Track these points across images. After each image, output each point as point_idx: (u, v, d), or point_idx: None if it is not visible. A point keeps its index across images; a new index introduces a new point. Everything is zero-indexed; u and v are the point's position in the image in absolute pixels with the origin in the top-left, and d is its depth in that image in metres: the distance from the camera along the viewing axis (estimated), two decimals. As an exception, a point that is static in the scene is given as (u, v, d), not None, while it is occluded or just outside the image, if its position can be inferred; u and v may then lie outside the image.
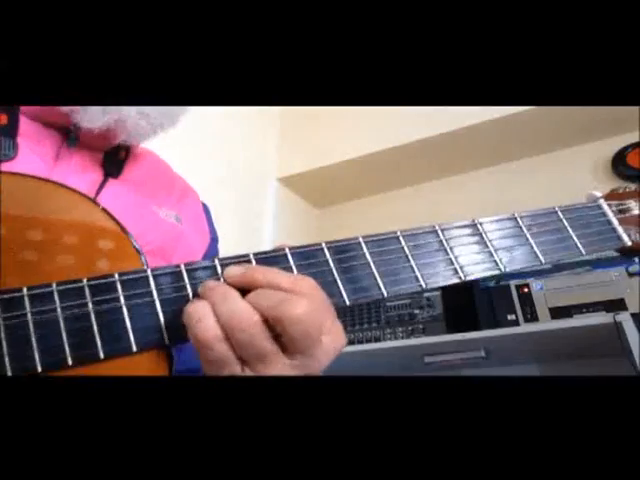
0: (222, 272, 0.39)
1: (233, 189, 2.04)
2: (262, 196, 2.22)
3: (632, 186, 0.59)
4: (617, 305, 1.37)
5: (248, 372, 0.36)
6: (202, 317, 0.36)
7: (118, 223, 0.42)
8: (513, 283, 1.53)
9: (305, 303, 0.36)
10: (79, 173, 0.56)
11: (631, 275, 1.40)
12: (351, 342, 1.64)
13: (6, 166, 0.51)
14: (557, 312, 1.44)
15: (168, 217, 0.62)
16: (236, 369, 0.36)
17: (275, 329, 0.36)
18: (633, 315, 1.26)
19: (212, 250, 0.69)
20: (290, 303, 0.35)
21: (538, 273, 1.53)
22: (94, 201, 0.43)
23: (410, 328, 1.61)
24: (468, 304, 1.58)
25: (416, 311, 1.63)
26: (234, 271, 0.38)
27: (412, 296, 1.66)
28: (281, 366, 0.36)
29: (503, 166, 2.16)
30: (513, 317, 1.48)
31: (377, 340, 1.62)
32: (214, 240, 0.71)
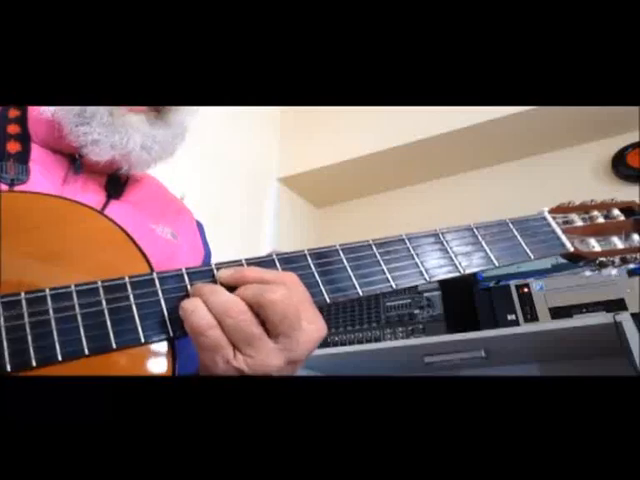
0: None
1: (234, 190, 2.04)
2: (263, 196, 2.22)
3: (576, 201, 0.67)
4: (617, 305, 1.37)
5: (239, 356, 0.41)
6: (195, 308, 0.41)
7: (126, 233, 0.46)
8: (513, 283, 1.53)
9: (282, 290, 0.41)
10: (85, 195, 0.61)
11: (631, 275, 1.40)
12: (351, 342, 1.64)
13: (19, 189, 0.56)
14: (557, 312, 1.44)
15: (164, 234, 0.67)
16: (229, 353, 0.40)
17: (259, 315, 0.41)
18: (633, 315, 1.26)
19: None
20: (269, 290, 0.41)
21: (538, 273, 1.53)
22: (104, 215, 0.47)
23: (410, 328, 1.61)
24: (468, 304, 1.58)
25: (416, 311, 1.63)
26: (226, 272, 0.44)
27: (412, 296, 1.66)
28: (268, 349, 0.41)
29: (503, 166, 2.16)
30: (513, 317, 1.48)
31: (377, 340, 1.62)
32: (207, 256, 0.75)
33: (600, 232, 0.64)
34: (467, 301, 1.59)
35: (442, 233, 0.56)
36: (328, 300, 0.47)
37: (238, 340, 0.40)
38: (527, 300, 1.48)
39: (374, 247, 0.52)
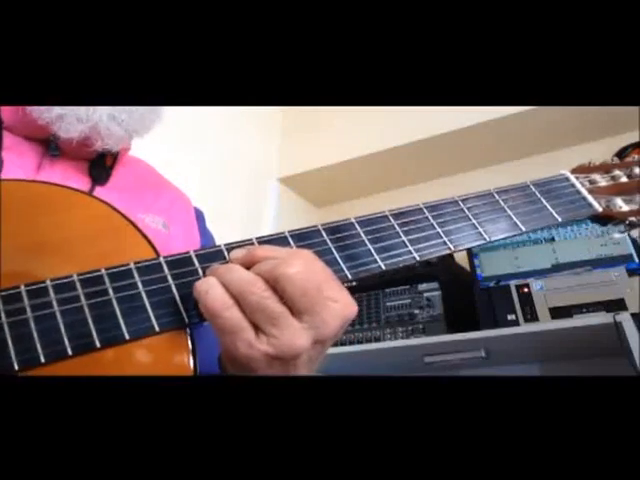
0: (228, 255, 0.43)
1: (235, 189, 2.03)
2: (263, 196, 2.22)
3: (596, 161, 0.64)
4: (617, 305, 1.37)
5: (263, 338, 0.38)
6: (209, 288, 0.38)
7: (120, 213, 0.44)
8: (513, 283, 1.53)
9: (299, 263, 0.39)
10: (66, 182, 0.58)
11: (631, 275, 1.40)
12: (351, 342, 1.64)
13: None
14: (557, 312, 1.44)
15: (155, 223, 0.63)
16: (250, 335, 0.38)
17: (277, 291, 0.38)
18: (633, 315, 1.26)
19: None
20: (284, 264, 0.38)
21: (538, 273, 1.53)
22: (93, 196, 0.45)
23: (410, 328, 1.61)
24: (468, 304, 1.58)
25: (416, 311, 1.63)
26: (237, 252, 0.42)
27: (412, 296, 1.66)
28: (293, 329, 0.38)
29: (503, 166, 2.16)
30: (513, 317, 1.48)
31: (377, 340, 1.62)
32: (205, 246, 0.71)
33: (625, 191, 0.60)
34: (467, 301, 1.59)
35: (461, 200, 0.53)
36: (349, 276, 0.45)
37: (260, 319, 0.38)
38: (527, 300, 1.48)
39: (391, 218, 0.49)
